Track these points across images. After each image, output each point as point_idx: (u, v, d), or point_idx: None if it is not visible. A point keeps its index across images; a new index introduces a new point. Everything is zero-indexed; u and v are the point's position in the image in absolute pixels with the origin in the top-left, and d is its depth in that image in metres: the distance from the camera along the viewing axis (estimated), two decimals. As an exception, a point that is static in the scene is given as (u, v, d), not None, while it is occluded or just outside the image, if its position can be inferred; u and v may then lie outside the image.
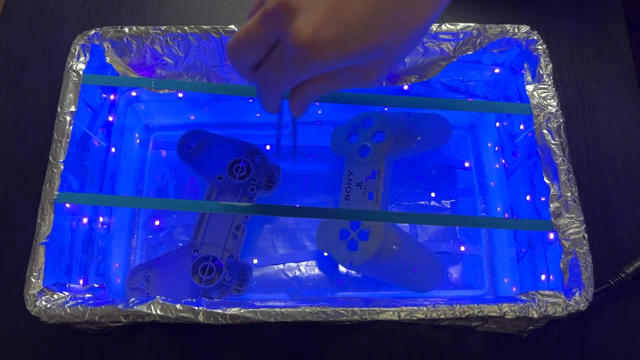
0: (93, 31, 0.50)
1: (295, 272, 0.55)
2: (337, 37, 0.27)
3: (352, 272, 0.55)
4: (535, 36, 0.50)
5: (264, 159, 0.56)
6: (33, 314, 0.41)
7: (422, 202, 0.58)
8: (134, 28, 0.50)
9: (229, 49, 0.31)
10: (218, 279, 0.51)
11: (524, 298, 0.43)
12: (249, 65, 0.31)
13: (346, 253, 0.50)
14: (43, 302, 0.41)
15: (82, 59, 0.49)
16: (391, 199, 0.57)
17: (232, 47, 0.31)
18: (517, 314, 0.41)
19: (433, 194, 0.58)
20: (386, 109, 0.58)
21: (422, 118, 0.57)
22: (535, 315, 0.41)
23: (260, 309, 0.41)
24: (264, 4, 0.29)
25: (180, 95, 0.55)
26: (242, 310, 0.40)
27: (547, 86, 0.49)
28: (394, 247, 0.50)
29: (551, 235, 0.46)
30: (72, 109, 0.47)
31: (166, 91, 0.50)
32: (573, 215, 0.44)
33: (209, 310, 0.40)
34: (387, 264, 0.50)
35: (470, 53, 0.50)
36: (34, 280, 0.41)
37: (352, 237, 0.51)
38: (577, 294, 0.42)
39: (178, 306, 0.41)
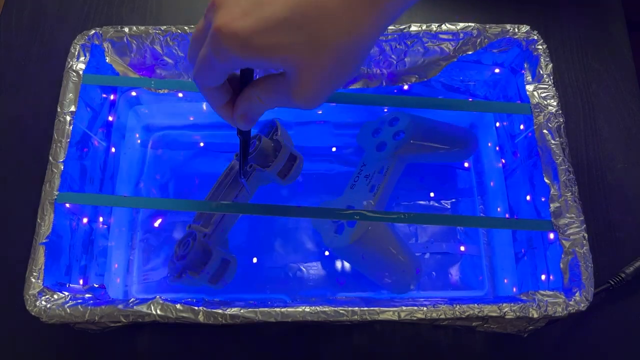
0: (93, 31, 0.50)
1: (296, 272, 0.55)
2: (250, 29, 0.28)
3: (353, 271, 0.55)
4: (535, 36, 0.50)
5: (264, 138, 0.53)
6: (33, 314, 0.41)
7: (422, 202, 0.58)
8: (134, 28, 0.50)
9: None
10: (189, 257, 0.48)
11: (524, 298, 0.43)
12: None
13: (331, 235, 0.51)
14: (43, 302, 0.41)
15: (82, 59, 0.49)
16: (391, 198, 0.57)
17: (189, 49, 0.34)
18: (517, 314, 0.41)
19: (433, 194, 0.58)
20: (386, 110, 0.58)
21: (449, 129, 0.56)
22: (535, 315, 0.41)
23: (260, 309, 0.41)
24: None
25: (180, 95, 0.55)
26: (242, 310, 0.40)
27: (547, 86, 0.49)
28: (374, 241, 0.50)
29: (551, 235, 0.46)
30: (72, 109, 0.47)
31: (166, 91, 0.50)
32: (573, 215, 0.44)
33: (209, 310, 0.40)
34: (363, 255, 0.50)
35: (470, 53, 0.50)
36: (34, 280, 0.42)
37: (342, 221, 0.51)
38: (577, 294, 0.42)
39: (178, 306, 0.41)
